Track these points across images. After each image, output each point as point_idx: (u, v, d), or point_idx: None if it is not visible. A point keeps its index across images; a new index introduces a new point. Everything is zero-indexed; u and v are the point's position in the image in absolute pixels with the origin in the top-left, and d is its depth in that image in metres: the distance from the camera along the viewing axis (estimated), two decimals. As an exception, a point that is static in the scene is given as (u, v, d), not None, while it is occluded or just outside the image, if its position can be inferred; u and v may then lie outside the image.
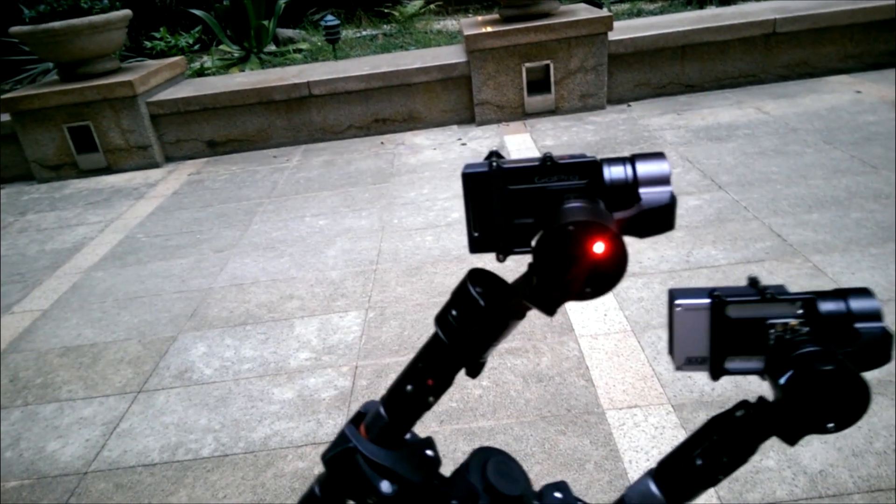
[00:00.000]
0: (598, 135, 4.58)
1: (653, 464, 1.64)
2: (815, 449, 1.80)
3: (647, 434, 1.92)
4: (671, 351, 0.50)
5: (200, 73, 6.70)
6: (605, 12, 5.27)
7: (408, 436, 0.62)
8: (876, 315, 0.47)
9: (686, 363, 0.50)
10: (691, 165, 3.83)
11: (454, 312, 0.53)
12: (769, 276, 2.61)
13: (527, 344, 2.41)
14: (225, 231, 3.83)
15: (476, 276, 0.53)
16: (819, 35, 5.05)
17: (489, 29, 4.94)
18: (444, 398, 2.23)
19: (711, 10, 6.04)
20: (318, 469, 1.96)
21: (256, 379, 2.42)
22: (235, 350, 2.63)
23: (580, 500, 0.60)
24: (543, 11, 5.09)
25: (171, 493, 1.95)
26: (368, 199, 4.02)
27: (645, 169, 0.48)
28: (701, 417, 1.95)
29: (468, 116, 5.23)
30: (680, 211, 3.27)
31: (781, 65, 5.16)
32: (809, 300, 0.48)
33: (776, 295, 0.48)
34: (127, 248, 3.79)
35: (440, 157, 4.59)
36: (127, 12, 5.27)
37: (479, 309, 0.52)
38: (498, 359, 2.35)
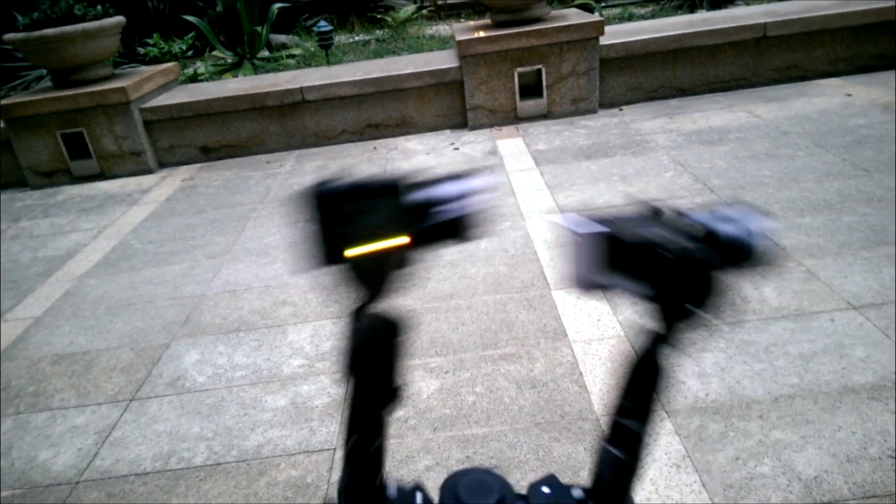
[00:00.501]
0: (589, 139, 4.59)
1: (646, 471, 1.63)
2: (810, 455, 1.80)
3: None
4: (571, 277, 0.55)
5: (194, 78, 6.69)
6: (596, 17, 5.28)
7: (394, 490, 0.64)
8: (756, 232, 0.53)
9: (585, 287, 0.55)
10: (683, 169, 3.84)
11: (352, 352, 0.57)
12: (762, 280, 2.62)
13: (520, 350, 2.41)
14: (218, 237, 3.82)
15: (357, 311, 0.57)
16: (809, 38, 5.08)
17: (481, 34, 4.95)
18: (437, 405, 2.23)
19: (702, 14, 6.07)
20: (311, 478, 1.95)
21: (249, 386, 2.41)
22: (228, 357, 2.61)
23: (571, 486, 0.61)
24: (535, 16, 5.11)
25: (163, 502, 1.94)
26: (362, 204, 4.01)
27: (446, 189, 0.53)
28: (695, 423, 1.95)
29: (461, 121, 5.24)
30: (673, 215, 3.28)
31: (772, 68, 5.19)
32: (699, 221, 0.53)
33: (667, 218, 0.53)
34: (120, 254, 3.77)
35: (433, 161, 4.59)
36: (120, 19, 5.26)
37: (367, 338, 0.56)
38: (491, 365, 2.35)
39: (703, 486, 1.75)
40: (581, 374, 2.24)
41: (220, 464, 2.06)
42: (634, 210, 0.55)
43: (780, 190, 3.40)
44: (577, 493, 0.61)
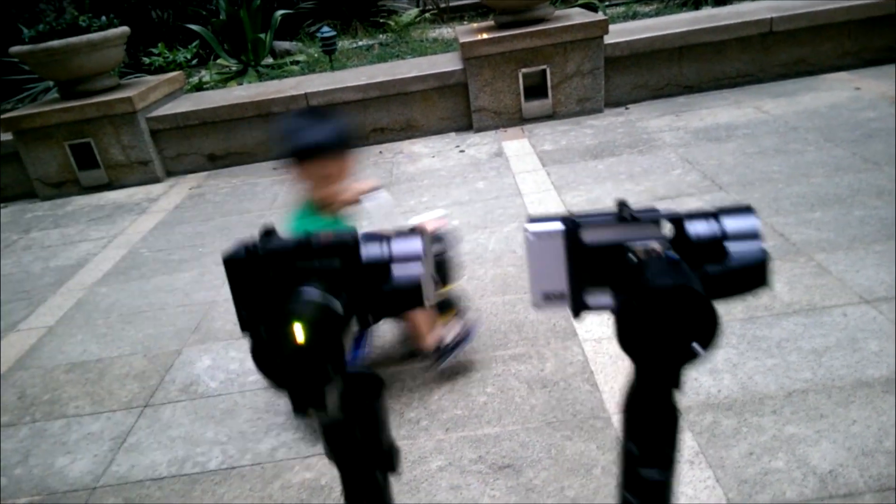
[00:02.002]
0: (596, 138, 4.59)
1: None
2: (825, 449, 1.79)
3: (655, 437, 1.91)
4: (531, 293, 0.45)
5: (199, 87, 6.73)
6: (600, 16, 5.28)
7: None
8: (753, 234, 0.42)
9: (544, 300, 0.46)
10: (691, 167, 3.83)
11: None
12: (773, 275, 2.61)
13: (530, 350, 2.41)
14: (227, 244, 3.82)
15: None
16: (816, 32, 5.06)
17: (484, 36, 4.96)
18: (449, 406, 2.22)
19: (707, 11, 6.06)
20: (326, 479, 1.96)
21: (262, 391, 2.42)
22: (240, 362, 2.63)
23: None
24: (538, 17, 5.11)
25: (179, 507, 1.95)
26: (369, 208, 4.02)
27: (400, 247, 0.46)
28: (708, 420, 1.95)
29: (466, 123, 5.24)
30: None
31: (779, 63, 5.17)
32: (677, 220, 0.43)
33: (637, 215, 0.43)
34: (130, 263, 3.80)
35: (439, 164, 4.60)
36: (125, 29, 5.30)
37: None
38: (502, 365, 2.35)
39: (717, 481, 1.74)
40: (592, 372, 2.24)
41: (234, 468, 2.07)
42: (606, 209, 0.45)
43: (790, 185, 3.39)
44: None
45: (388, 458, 0.52)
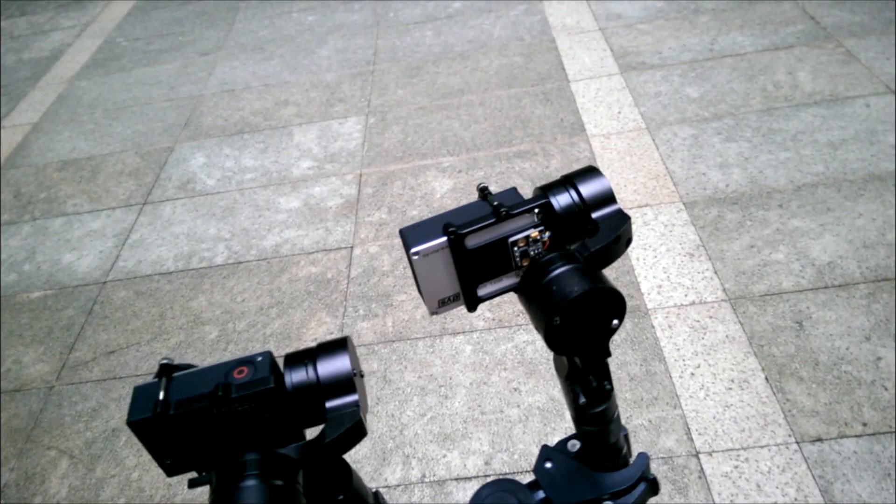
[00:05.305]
0: None
1: (659, 261, 1.58)
2: (826, 242, 1.79)
3: (656, 232, 1.92)
4: (422, 297, 0.48)
5: None
6: None
7: None
8: (608, 198, 0.47)
9: (440, 306, 0.48)
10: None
11: None
12: (798, 64, 2.44)
13: (536, 147, 2.33)
14: (208, 31, 3.55)
15: None
16: None
17: None
18: (452, 204, 2.20)
19: None
20: (332, 273, 1.99)
21: (261, 189, 2.39)
22: (235, 160, 2.56)
23: (566, 442, 0.58)
24: None
25: (190, 298, 2.01)
26: (361, -10, 3.67)
27: (327, 369, 0.43)
28: (712, 214, 1.93)
29: None
30: (704, -7, 2.98)
31: None
32: (544, 204, 0.47)
33: (510, 211, 0.46)
34: (108, 54, 3.55)
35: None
36: None
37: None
38: (506, 163, 2.28)
39: (716, 272, 1.77)
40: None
41: (241, 262, 2.11)
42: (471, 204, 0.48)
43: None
44: (571, 444, 0.57)
45: None
